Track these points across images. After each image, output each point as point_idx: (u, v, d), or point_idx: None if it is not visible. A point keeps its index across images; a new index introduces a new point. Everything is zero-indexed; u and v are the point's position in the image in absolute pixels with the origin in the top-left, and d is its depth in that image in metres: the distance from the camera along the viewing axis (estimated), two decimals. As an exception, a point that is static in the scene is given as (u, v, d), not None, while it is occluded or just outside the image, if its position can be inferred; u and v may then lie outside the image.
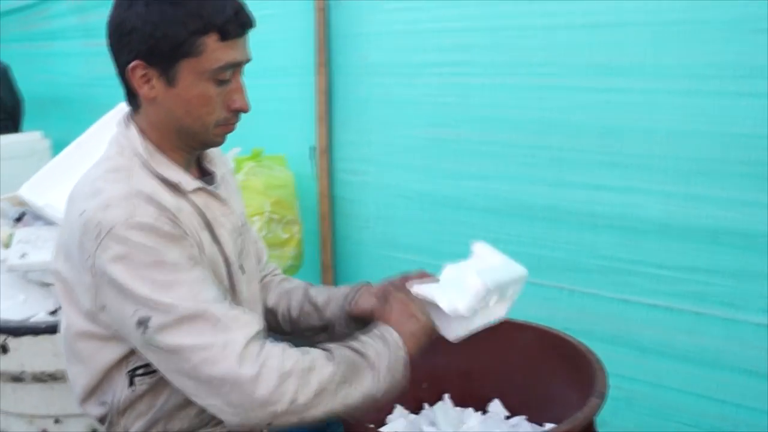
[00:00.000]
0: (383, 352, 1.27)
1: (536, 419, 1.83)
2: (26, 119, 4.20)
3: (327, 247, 2.96)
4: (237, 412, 1.17)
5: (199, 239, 1.29)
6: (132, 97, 1.32)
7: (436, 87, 2.55)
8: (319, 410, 1.19)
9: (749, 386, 2.05)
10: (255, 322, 1.22)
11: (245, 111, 1.32)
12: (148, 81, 1.26)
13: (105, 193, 1.21)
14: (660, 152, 2.09)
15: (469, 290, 1.40)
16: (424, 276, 1.49)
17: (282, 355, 1.18)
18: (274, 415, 1.17)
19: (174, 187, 1.31)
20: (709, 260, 2.06)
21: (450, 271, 1.47)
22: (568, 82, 2.22)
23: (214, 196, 1.38)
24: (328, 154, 2.90)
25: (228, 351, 1.15)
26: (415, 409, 1.89)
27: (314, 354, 1.22)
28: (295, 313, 1.59)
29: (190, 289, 1.18)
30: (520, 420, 1.85)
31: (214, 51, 1.24)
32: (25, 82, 4.22)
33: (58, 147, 3.26)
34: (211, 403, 1.19)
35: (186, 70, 1.24)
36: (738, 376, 2.07)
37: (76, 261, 1.24)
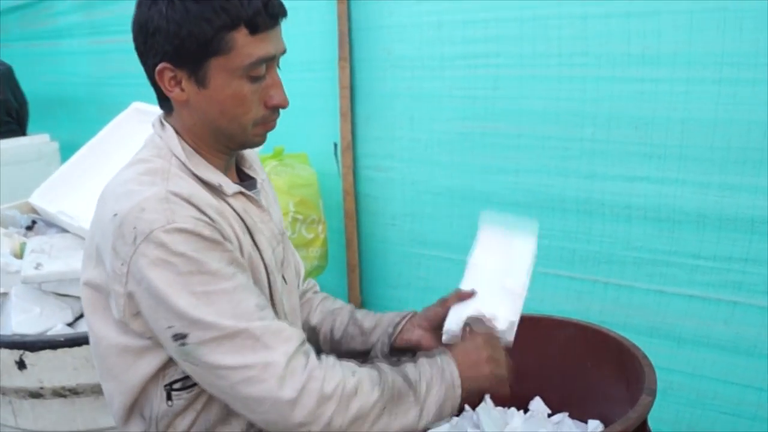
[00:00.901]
0: (436, 389, 1.24)
1: (578, 416, 1.82)
2: (32, 121, 4.11)
3: (353, 246, 2.92)
4: (270, 426, 1.16)
5: (239, 242, 1.25)
6: (164, 99, 1.28)
7: (464, 80, 2.51)
8: None
9: (787, 374, 2.05)
10: (296, 336, 1.19)
11: (284, 107, 1.27)
12: (177, 83, 1.22)
13: (139, 195, 1.16)
14: (695, 142, 2.07)
15: (513, 300, 1.47)
16: (461, 296, 1.48)
17: (324, 377, 1.15)
18: None
19: (214, 190, 1.27)
20: (745, 249, 2.05)
21: (475, 274, 1.52)
22: (601, 72, 2.19)
23: (254, 201, 1.34)
24: (352, 150, 2.86)
25: (269, 372, 1.12)
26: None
27: (361, 376, 1.19)
28: (338, 334, 1.56)
29: (230, 300, 1.14)
30: (562, 417, 1.84)
31: (245, 46, 1.19)
32: (30, 82, 4.14)
33: (66, 150, 3.23)
34: (246, 416, 1.19)
35: (216, 69, 1.19)
36: (776, 364, 2.06)
37: (108, 267, 1.19)
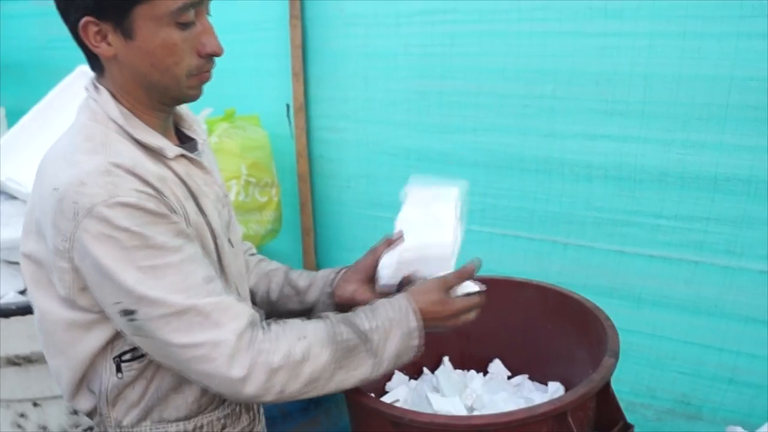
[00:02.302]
0: (393, 338, 1.25)
1: (539, 378, 1.82)
2: (-23, 89, 4.00)
3: (307, 209, 2.89)
4: (225, 397, 1.23)
5: (184, 210, 1.22)
6: (93, 58, 1.22)
7: (420, 36, 2.45)
8: (310, 395, 1.22)
9: (748, 333, 2.05)
10: (245, 312, 1.19)
11: (218, 54, 1.22)
12: (103, 38, 1.16)
13: (79, 168, 1.13)
14: (658, 98, 2.03)
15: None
16: (390, 242, 1.47)
17: (273, 349, 1.17)
18: (262, 403, 1.24)
19: (155, 154, 1.22)
20: (708, 208, 2.04)
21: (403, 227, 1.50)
22: (561, 27, 2.14)
23: (196, 164, 1.30)
24: (304, 111, 2.79)
25: (218, 351, 1.13)
26: (414, 373, 1.86)
27: (311, 339, 1.20)
28: (274, 295, 1.55)
29: (178, 274, 1.13)
30: (522, 379, 1.84)
31: None
32: (-27, 48, 4.03)
33: (12, 116, 3.16)
34: (200, 384, 1.21)
35: (142, 19, 1.14)
36: (737, 323, 2.06)
37: (49, 243, 1.16)
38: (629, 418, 1.52)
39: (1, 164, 2.44)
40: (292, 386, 1.17)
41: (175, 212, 1.17)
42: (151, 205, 1.12)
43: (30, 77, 4.24)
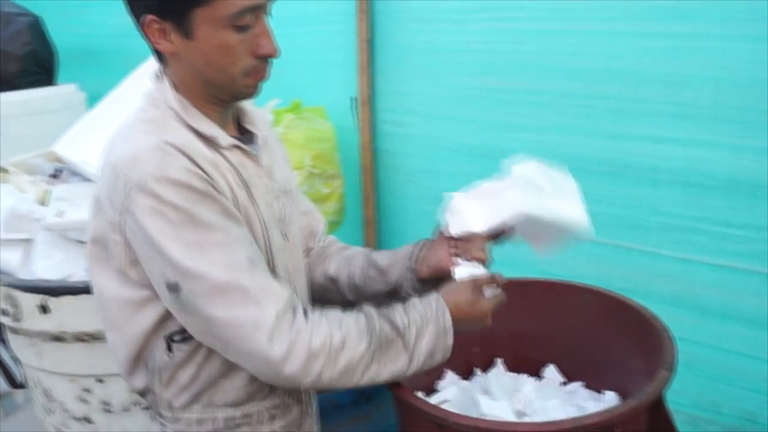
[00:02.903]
0: (427, 336, 1.25)
1: (594, 386, 1.78)
2: (62, 72, 4.13)
3: (369, 202, 2.90)
4: (262, 378, 1.21)
5: (234, 196, 1.24)
6: (157, 51, 1.26)
7: (485, 33, 2.44)
8: (344, 385, 1.22)
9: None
10: (285, 293, 1.20)
11: (273, 56, 1.24)
12: (165, 35, 1.20)
13: (134, 144, 1.17)
14: (729, 103, 1.97)
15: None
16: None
17: (312, 332, 1.17)
18: (298, 387, 1.22)
19: (209, 142, 1.25)
20: (780, 218, 1.95)
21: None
22: (628, 26, 2.10)
23: (250, 156, 1.32)
24: (370, 105, 2.81)
25: (259, 330, 1.15)
26: (466, 373, 1.85)
27: (348, 328, 1.21)
28: (358, 279, 1.53)
29: (222, 252, 1.15)
30: (577, 386, 1.80)
31: None
32: (59, 34, 4.17)
33: (94, 100, 3.26)
34: (240, 364, 1.22)
35: (201, 20, 1.17)
36: (810, 340, 1.97)
37: (107, 215, 1.20)
38: (691, 432, 1.47)
39: (78, 147, 2.51)
40: (329, 373, 1.17)
41: (222, 194, 1.20)
42: (198, 184, 1.15)
43: (111, 63, 4.35)
